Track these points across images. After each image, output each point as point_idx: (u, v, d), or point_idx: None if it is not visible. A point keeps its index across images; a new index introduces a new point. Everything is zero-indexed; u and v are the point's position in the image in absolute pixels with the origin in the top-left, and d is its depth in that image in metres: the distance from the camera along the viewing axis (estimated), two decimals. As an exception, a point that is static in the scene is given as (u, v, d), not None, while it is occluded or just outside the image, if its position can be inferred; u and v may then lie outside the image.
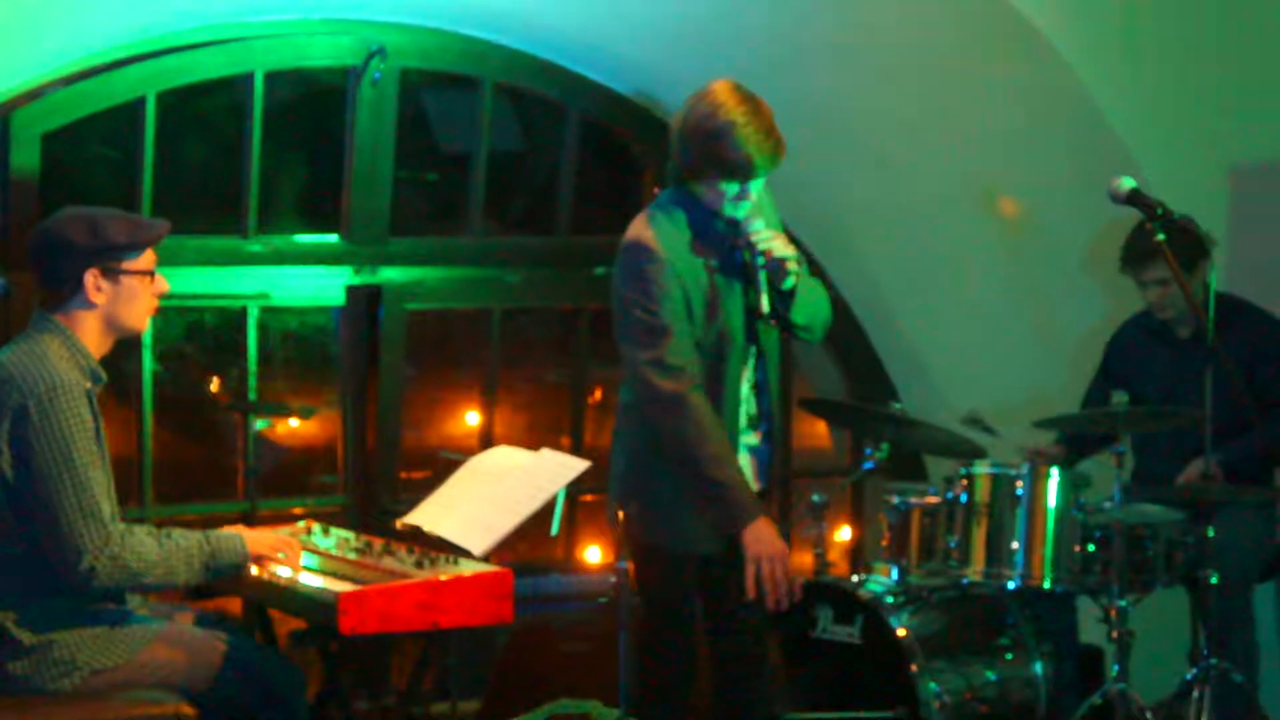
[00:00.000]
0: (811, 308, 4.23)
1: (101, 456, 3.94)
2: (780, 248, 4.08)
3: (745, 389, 4.21)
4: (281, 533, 4.43)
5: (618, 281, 4.13)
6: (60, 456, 3.84)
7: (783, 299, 4.14)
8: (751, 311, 4.14)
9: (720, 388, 4.13)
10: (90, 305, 3.99)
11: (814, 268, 6.18)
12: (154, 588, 3.99)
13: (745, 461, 4.21)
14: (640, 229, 4.13)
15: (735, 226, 4.12)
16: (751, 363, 4.22)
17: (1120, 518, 4.78)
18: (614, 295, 4.16)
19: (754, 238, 4.08)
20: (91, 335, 4.02)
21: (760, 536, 4.03)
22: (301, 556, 4.24)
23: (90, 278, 3.97)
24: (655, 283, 4.05)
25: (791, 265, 4.09)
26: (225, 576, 4.10)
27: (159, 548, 3.93)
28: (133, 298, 4.03)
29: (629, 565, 4.06)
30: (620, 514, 4.01)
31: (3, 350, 4.01)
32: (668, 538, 4.17)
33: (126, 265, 4.00)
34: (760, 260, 4.07)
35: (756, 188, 4.11)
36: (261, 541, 4.15)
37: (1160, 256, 4.62)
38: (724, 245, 4.14)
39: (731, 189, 4.09)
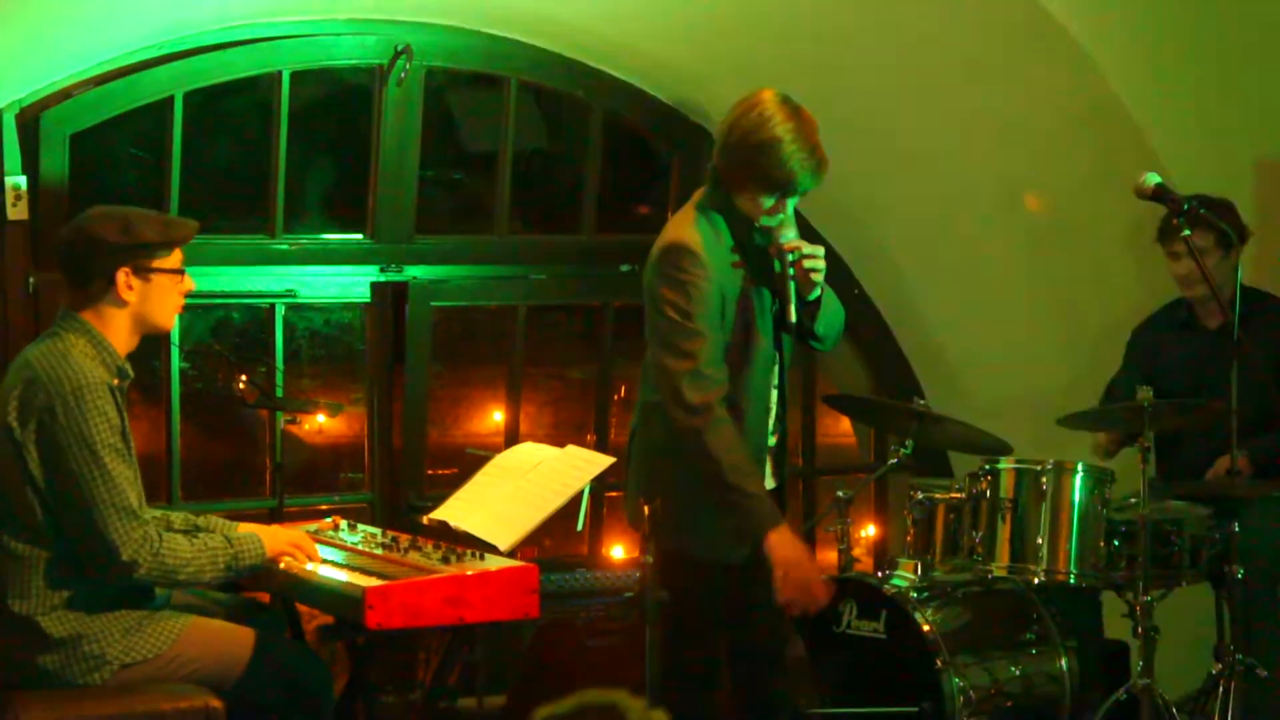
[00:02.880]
0: (830, 318, 4.24)
1: (128, 451, 3.97)
2: (811, 259, 4.07)
3: (773, 396, 4.21)
4: (305, 529, 4.46)
5: (654, 279, 4.09)
6: (89, 454, 3.86)
7: (807, 309, 4.14)
8: (779, 322, 4.14)
9: (748, 396, 4.13)
10: (120, 303, 4.02)
11: (839, 264, 6.21)
12: (184, 584, 4.03)
13: (766, 463, 4.22)
14: (684, 230, 4.09)
15: (768, 236, 4.12)
16: (775, 370, 4.22)
17: (1145, 513, 4.77)
18: (647, 293, 4.13)
19: (786, 247, 4.06)
20: (119, 333, 4.04)
21: (784, 541, 4.02)
22: (317, 554, 4.26)
23: (122, 276, 3.99)
24: (695, 285, 4.02)
25: (818, 277, 4.09)
26: (245, 576, 4.14)
27: (190, 546, 3.97)
28: (162, 296, 4.06)
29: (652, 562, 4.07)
30: (645, 509, 4.01)
31: (29, 349, 4.04)
32: (692, 544, 4.15)
33: (157, 264, 4.03)
34: (791, 271, 4.05)
35: (794, 203, 4.10)
36: (278, 540, 4.18)
37: (1196, 228, 4.70)
38: (760, 256, 4.13)
39: (768, 202, 4.07)
